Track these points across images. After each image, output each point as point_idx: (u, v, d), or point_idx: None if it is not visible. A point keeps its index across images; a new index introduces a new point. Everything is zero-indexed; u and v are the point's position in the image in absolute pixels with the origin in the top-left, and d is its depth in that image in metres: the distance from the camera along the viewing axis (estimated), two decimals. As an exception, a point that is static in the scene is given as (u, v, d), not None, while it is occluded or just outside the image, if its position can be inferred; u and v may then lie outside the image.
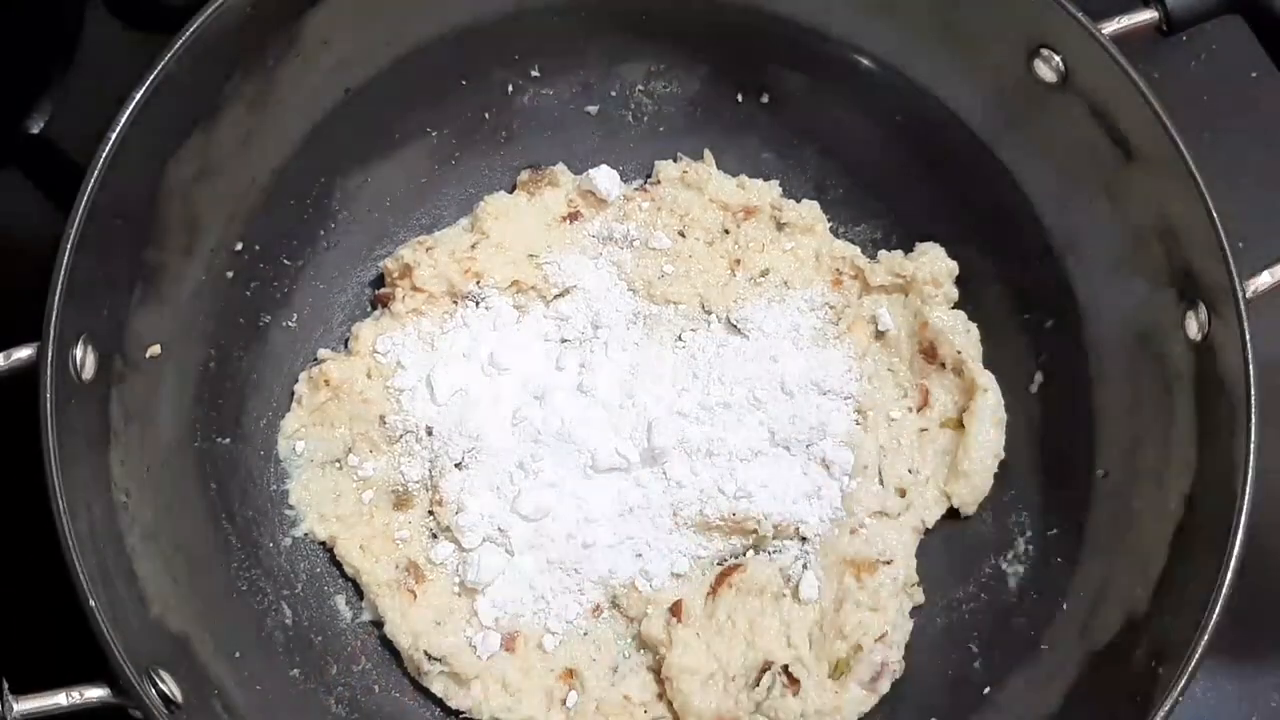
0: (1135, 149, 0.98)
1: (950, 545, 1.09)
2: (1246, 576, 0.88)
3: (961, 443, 1.08)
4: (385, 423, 1.07)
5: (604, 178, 1.15)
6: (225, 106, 0.99)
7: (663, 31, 1.15)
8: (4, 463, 0.94)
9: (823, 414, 1.08)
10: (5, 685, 0.81)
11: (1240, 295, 0.91)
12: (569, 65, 1.16)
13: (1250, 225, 1.01)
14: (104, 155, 0.89)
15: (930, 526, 1.08)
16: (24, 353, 0.86)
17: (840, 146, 1.17)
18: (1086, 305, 1.06)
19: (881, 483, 1.08)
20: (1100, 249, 1.04)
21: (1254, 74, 1.23)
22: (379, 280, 1.14)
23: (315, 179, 1.11)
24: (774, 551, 1.07)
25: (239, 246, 1.06)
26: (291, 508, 1.07)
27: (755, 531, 1.05)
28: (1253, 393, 0.90)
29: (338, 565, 1.06)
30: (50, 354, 0.85)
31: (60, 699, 0.81)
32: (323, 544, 1.07)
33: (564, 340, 1.11)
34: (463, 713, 1.02)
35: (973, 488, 1.08)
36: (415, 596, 1.03)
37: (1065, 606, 1.01)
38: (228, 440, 1.06)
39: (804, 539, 1.07)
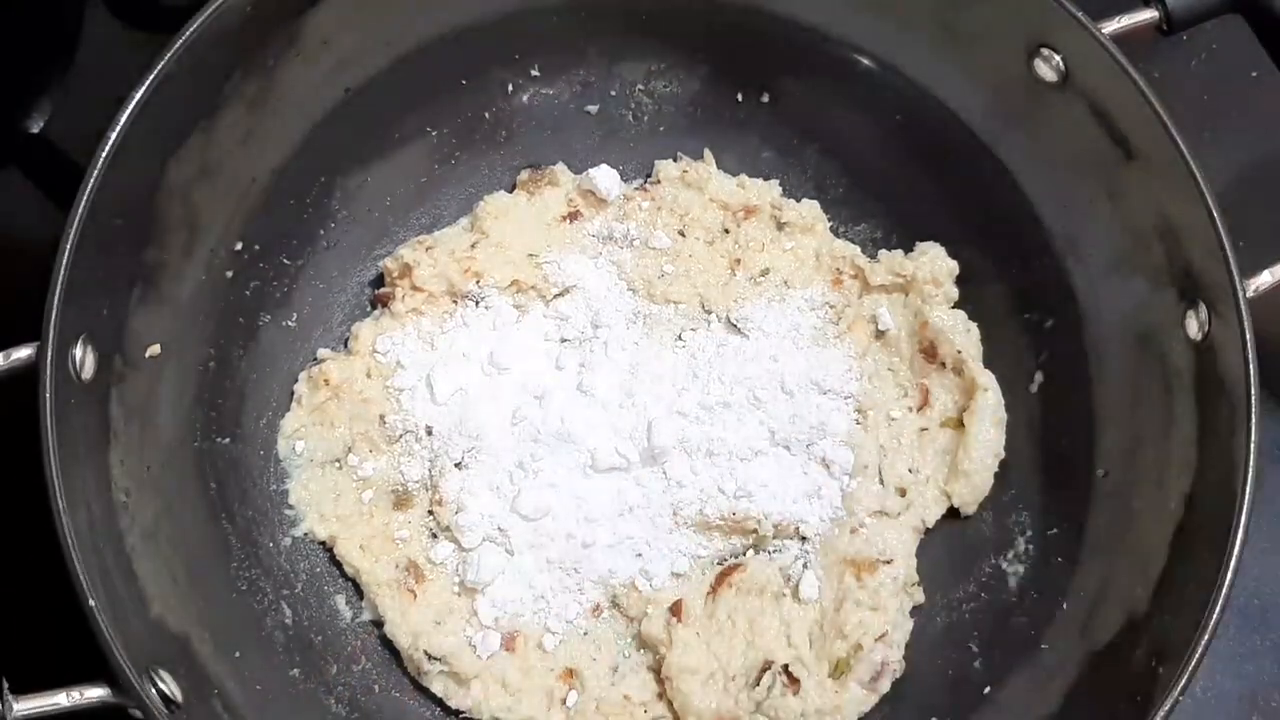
0: (1135, 148, 0.98)
1: (950, 545, 1.09)
2: (1246, 576, 0.88)
3: (962, 442, 1.08)
4: (385, 422, 1.07)
5: (604, 177, 1.15)
6: (225, 106, 0.99)
7: (663, 31, 1.15)
8: (4, 463, 0.94)
9: (823, 413, 1.08)
10: (5, 685, 0.81)
11: (1240, 295, 0.91)
12: (569, 65, 1.16)
13: (1250, 225, 1.01)
14: (104, 155, 0.89)
15: (930, 526, 1.08)
16: (24, 352, 0.86)
17: (840, 146, 1.17)
18: (1087, 305, 1.06)
19: (882, 482, 1.08)
20: (1100, 248, 1.04)
21: (1254, 74, 1.23)
22: (379, 280, 1.14)
23: (315, 178, 1.11)
24: (774, 551, 1.07)
25: (239, 246, 1.06)
26: (291, 507, 1.07)
27: (755, 531, 1.05)
28: (1253, 392, 0.90)
29: (338, 565, 1.06)
30: (50, 354, 0.85)
31: (60, 699, 0.81)
32: (322, 544, 1.07)
33: (564, 340, 1.11)
34: (463, 712, 1.02)
35: (973, 487, 1.07)
36: (415, 596, 1.03)
37: (1065, 606, 1.01)
38: (227, 440, 1.05)
39: (804, 538, 1.07)
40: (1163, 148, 0.95)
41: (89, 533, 0.86)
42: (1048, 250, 1.08)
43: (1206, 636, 0.86)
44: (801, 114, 1.17)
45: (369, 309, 1.14)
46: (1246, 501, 0.88)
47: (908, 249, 1.14)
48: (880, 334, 1.13)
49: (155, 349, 0.98)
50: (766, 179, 1.17)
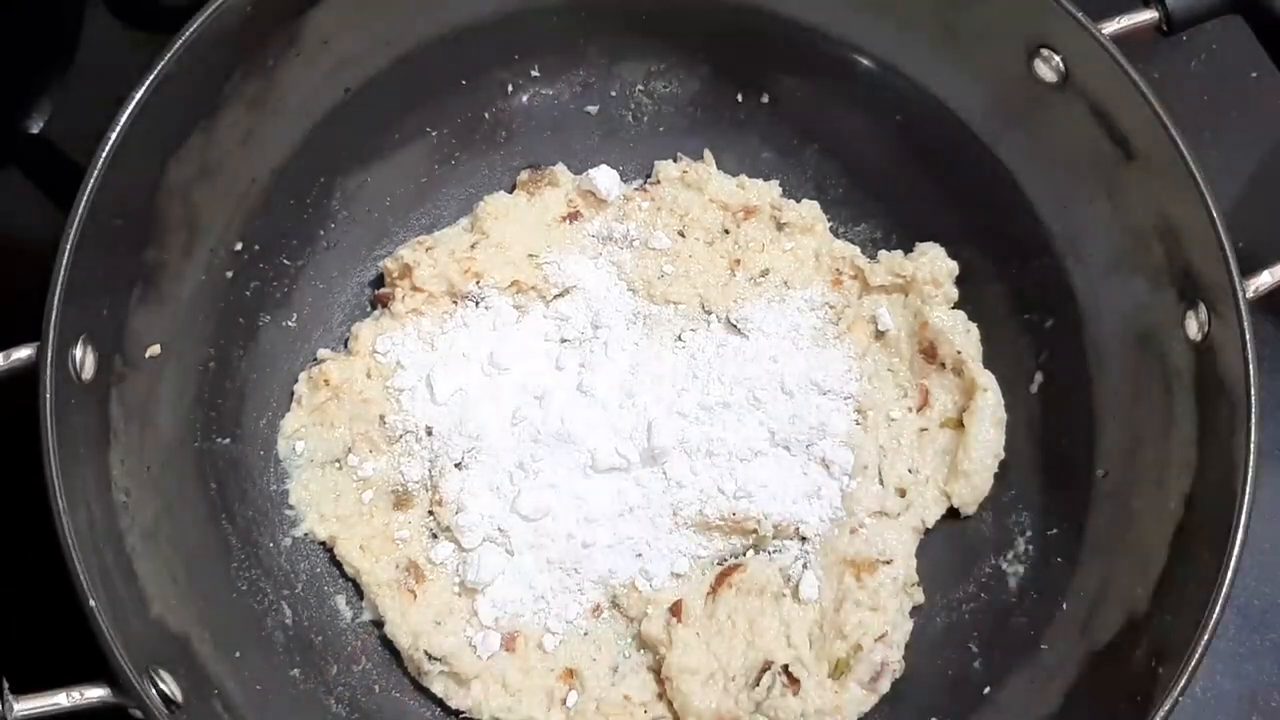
0: (1135, 149, 0.98)
1: (950, 545, 1.09)
2: (1246, 576, 0.88)
3: (961, 443, 1.08)
4: (385, 423, 1.07)
5: (604, 178, 1.15)
6: (225, 106, 0.99)
7: (663, 31, 1.15)
8: (4, 462, 0.94)
9: (823, 414, 1.08)
10: (5, 685, 0.81)
11: (1240, 295, 0.91)
12: (569, 65, 1.16)
13: (1250, 225, 1.01)
14: (104, 155, 0.89)
15: (930, 526, 1.08)
16: (24, 353, 0.86)
17: (840, 146, 1.17)
18: (1086, 305, 1.06)
19: (881, 482, 1.08)
20: (1100, 249, 1.04)
21: (1254, 74, 1.23)
22: (379, 280, 1.14)
23: (315, 179, 1.11)
24: (774, 551, 1.07)
25: (239, 246, 1.06)
26: (291, 508, 1.07)
27: (755, 531, 1.05)
28: (1253, 392, 0.90)
29: (338, 565, 1.06)
30: (50, 354, 0.85)
31: (60, 699, 0.81)
32: (323, 544, 1.07)
33: (564, 340, 1.11)
34: (463, 713, 1.02)
35: (973, 488, 1.07)
36: (415, 596, 1.03)
37: (1065, 606, 1.01)
38: (227, 440, 1.05)
39: (804, 539, 1.07)
40: (1163, 148, 0.95)
41: (89, 533, 0.86)
42: (1048, 250, 1.08)
43: (1207, 636, 0.86)
44: (801, 114, 1.17)
45: (369, 309, 1.14)
46: (1246, 501, 0.88)
47: (907, 249, 1.14)
48: (880, 334, 1.13)
49: (155, 349, 0.98)
50: (766, 179, 1.17)
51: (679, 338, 1.12)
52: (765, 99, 1.18)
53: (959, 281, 1.12)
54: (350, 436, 1.07)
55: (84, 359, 0.89)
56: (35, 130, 1.22)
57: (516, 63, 1.15)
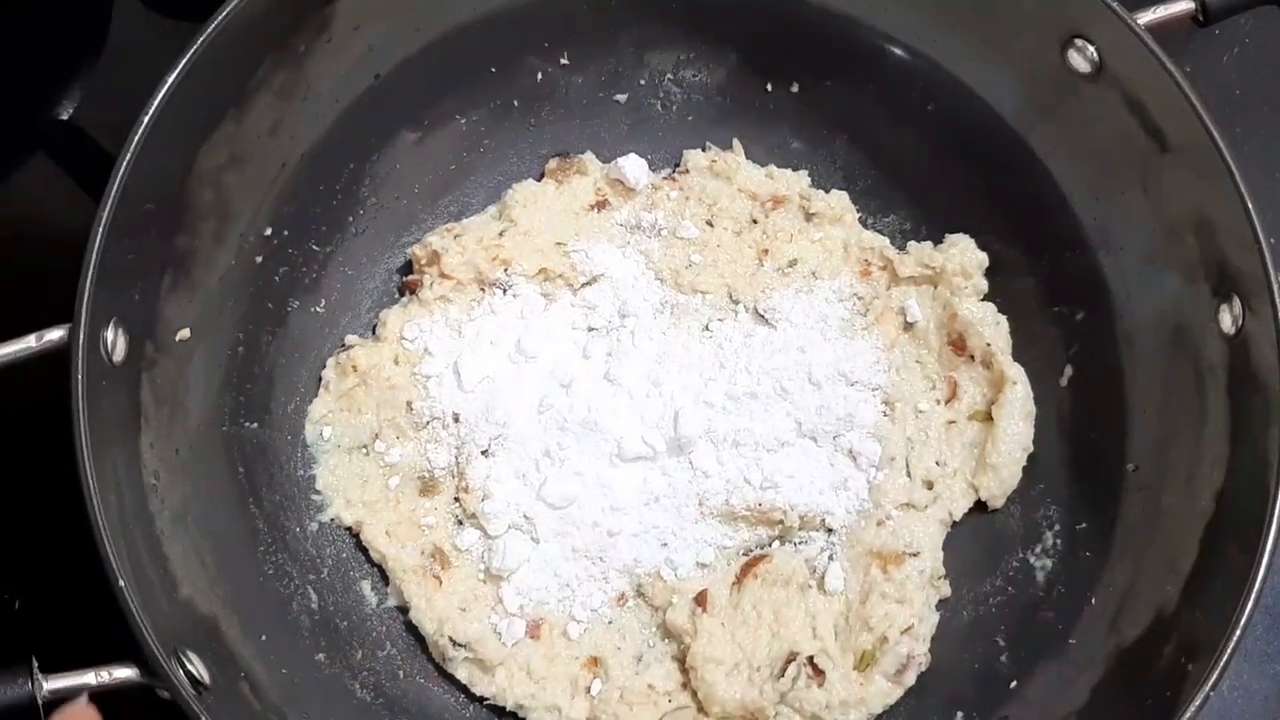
0: (1170, 141, 0.97)
1: (978, 538, 1.08)
2: (1276, 574, 0.88)
3: (990, 435, 1.07)
4: (412, 409, 1.08)
5: (632, 166, 1.15)
6: (256, 93, 0.99)
7: (693, 20, 1.14)
8: (36, 444, 0.95)
9: (850, 405, 1.08)
10: (35, 664, 0.81)
11: (1275, 289, 0.91)
12: (598, 53, 1.16)
13: (1285, 219, 1.00)
14: (135, 141, 0.90)
15: (957, 519, 1.08)
16: (56, 334, 0.87)
17: (870, 136, 1.16)
18: (1119, 298, 1.05)
19: (909, 475, 1.07)
20: (1133, 241, 1.03)
21: (1287, 67, 1.22)
22: (407, 267, 1.14)
23: (344, 165, 1.11)
24: (800, 542, 1.07)
25: (268, 232, 1.06)
26: (318, 493, 1.07)
27: (781, 522, 1.05)
28: (1287, 388, 0.89)
29: (363, 550, 1.07)
30: (81, 336, 0.85)
31: (89, 678, 0.82)
32: (349, 529, 1.07)
33: (591, 329, 1.11)
34: (487, 699, 1.03)
35: (1001, 481, 1.07)
36: (440, 583, 1.03)
37: (1093, 601, 1.00)
38: (256, 425, 1.06)
39: (830, 530, 1.07)
40: (1198, 140, 0.94)
41: (119, 515, 0.86)
42: (1080, 242, 1.07)
43: (1237, 634, 0.86)
44: (831, 104, 1.16)
45: (397, 296, 1.14)
46: (1279, 499, 0.87)
47: (937, 240, 1.13)
48: (909, 326, 1.12)
49: (185, 333, 0.98)
50: (795, 169, 1.17)
51: (706, 327, 1.12)
52: (795, 88, 1.17)
53: (989, 273, 1.12)
54: (377, 422, 1.08)
55: (115, 342, 0.90)
56: (65, 117, 1.23)
57: (546, 50, 1.15)
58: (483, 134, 1.16)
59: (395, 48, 1.08)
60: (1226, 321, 0.95)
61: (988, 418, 1.09)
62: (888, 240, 1.15)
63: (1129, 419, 1.03)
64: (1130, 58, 0.97)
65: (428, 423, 1.08)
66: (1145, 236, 1.02)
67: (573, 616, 1.04)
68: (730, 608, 1.03)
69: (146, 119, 0.90)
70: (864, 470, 1.07)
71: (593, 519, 1.04)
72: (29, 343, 0.87)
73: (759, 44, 1.15)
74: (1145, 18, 0.97)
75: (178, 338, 0.98)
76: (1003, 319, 1.10)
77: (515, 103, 1.16)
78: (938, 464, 1.08)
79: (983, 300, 1.11)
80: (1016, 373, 1.08)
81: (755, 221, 1.15)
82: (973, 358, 1.10)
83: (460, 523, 1.07)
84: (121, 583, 0.82)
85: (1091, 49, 1.00)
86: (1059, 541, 1.06)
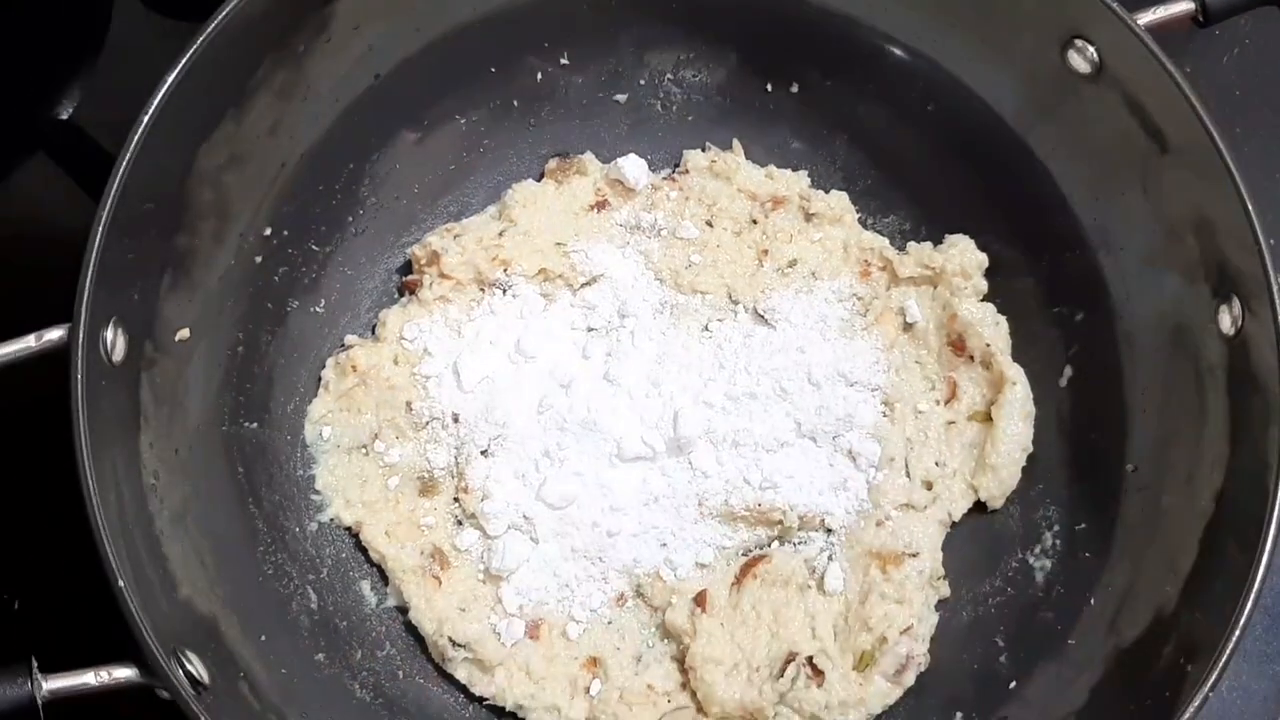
0: (1170, 141, 0.97)
1: (977, 538, 1.08)
2: (1275, 574, 0.88)
3: (989, 436, 1.07)
4: (412, 409, 1.08)
5: (632, 167, 1.15)
6: (255, 93, 0.99)
7: (693, 20, 1.14)
8: (35, 444, 0.95)
9: (849, 405, 1.08)
10: (35, 664, 0.81)
11: (1274, 290, 0.90)
12: (598, 53, 1.16)
13: (1284, 220, 1.00)
14: (135, 141, 0.89)
15: (957, 519, 1.08)
16: (55, 334, 0.87)
17: (870, 137, 1.16)
18: (1118, 298, 1.05)
19: (908, 475, 1.07)
20: (1133, 242, 1.03)
21: (1287, 68, 1.22)
22: (406, 267, 1.14)
23: (344, 165, 1.11)
24: (799, 543, 1.07)
25: (268, 232, 1.06)
26: (318, 493, 1.07)
27: (780, 522, 1.05)
28: (1287, 389, 0.89)
29: (363, 551, 1.07)
30: (81, 335, 0.85)
31: (89, 678, 0.82)
32: (348, 529, 1.07)
33: (590, 329, 1.11)
34: (486, 699, 1.02)
35: (1000, 481, 1.07)
36: (440, 583, 1.03)
37: (1093, 602, 1.00)
38: (255, 425, 1.06)
39: (829, 530, 1.07)
40: (1198, 141, 0.94)
41: (118, 515, 0.86)
42: (1079, 243, 1.07)
43: (1236, 635, 0.86)
44: (831, 104, 1.16)
45: (397, 296, 1.14)
46: (1279, 499, 0.87)
47: (937, 241, 1.13)
48: (908, 326, 1.12)
49: (185, 333, 0.98)
50: (795, 169, 1.17)
51: (706, 327, 1.12)
52: (795, 89, 1.17)
53: (988, 274, 1.12)
54: (377, 423, 1.08)
55: (115, 341, 0.90)
56: (65, 117, 1.23)
57: (546, 50, 1.15)
58: (482, 134, 1.16)
59: (395, 48, 1.08)
60: (1226, 322, 0.95)
61: (987, 418, 1.09)
62: (887, 241, 1.15)
63: (1129, 419, 1.03)
64: (1130, 58, 0.97)
65: (427, 423, 1.08)
66: (1145, 237, 1.02)
67: (572, 617, 1.04)
68: (729, 608, 1.03)
69: (146, 119, 0.90)
70: (863, 470, 1.07)
71: (592, 519, 1.04)
72: (29, 342, 0.87)
73: (759, 44, 1.15)
74: (1145, 18, 0.97)
75: (177, 337, 0.98)
76: (1002, 319, 1.10)
77: (515, 103, 1.16)
78: (937, 464, 1.08)
79: (982, 301, 1.11)
80: (1016, 373, 1.08)
81: (755, 222, 1.15)
82: (972, 358, 1.10)
83: (460, 523, 1.07)
84: (121, 583, 0.82)
85: (1091, 49, 1.00)
86: (1058, 542, 1.06)
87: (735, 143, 1.17)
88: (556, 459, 1.05)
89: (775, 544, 1.07)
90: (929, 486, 1.07)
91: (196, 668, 0.86)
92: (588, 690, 1.02)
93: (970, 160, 1.12)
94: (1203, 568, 0.93)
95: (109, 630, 0.83)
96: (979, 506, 1.09)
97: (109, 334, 0.89)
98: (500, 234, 1.12)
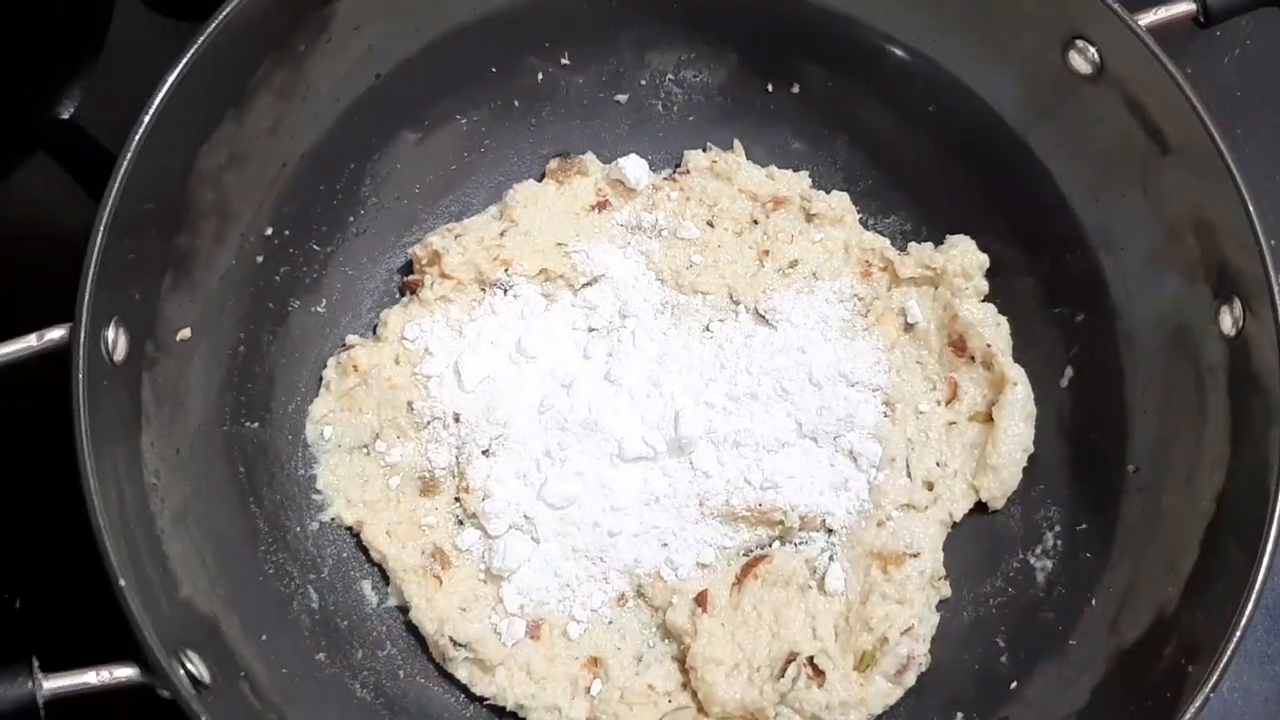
0: (1170, 142, 0.97)
1: (978, 539, 1.08)
2: (1277, 575, 0.88)
3: (990, 436, 1.07)
4: (413, 409, 1.08)
5: (633, 167, 1.15)
6: (256, 93, 0.99)
7: (694, 20, 1.14)
8: (36, 443, 0.95)
9: (850, 406, 1.08)
10: (35, 663, 0.81)
11: (1275, 290, 0.90)
12: (599, 53, 1.16)
13: (1285, 220, 1.01)
14: (136, 141, 0.89)
15: (958, 520, 1.08)
16: (56, 333, 0.86)
17: (871, 137, 1.16)
18: (1119, 299, 1.05)
19: (909, 475, 1.07)
20: (1134, 242, 1.03)
21: (1287, 69, 1.22)
22: (408, 267, 1.14)
23: (345, 165, 1.11)
24: (800, 543, 1.07)
25: (269, 232, 1.06)
26: (319, 492, 1.07)
27: (781, 523, 1.05)
28: (1288, 389, 0.89)
29: (364, 550, 1.07)
30: (82, 335, 0.85)
31: (90, 677, 0.82)
32: (349, 529, 1.07)
33: (592, 329, 1.11)
34: (487, 699, 1.02)
35: (1001, 482, 1.07)
36: (441, 582, 1.03)
37: (1094, 602, 1.00)
38: (256, 424, 1.06)
39: (830, 531, 1.07)
40: (1198, 142, 0.94)
41: (119, 514, 0.86)
42: (1080, 244, 1.07)
43: (1238, 635, 0.86)
44: (832, 105, 1.16)
45: (398, 296, 1.14)
46: (1279, 500, 0.87)
47: (938, 242, 1.13)
48: (909, 327, 1.12)
49: (186, 333, 0.98)
50: (796, 170, 1.17)
51: (707, 328, 1.12)
52: (795, 89, 1.17)
53: (989, 274, 1.12)
54: (378, 422, 1.08)
55: (116, 341, 0.89)
56: (66, 116, 1.23)
57: (547, 50, 1.15)
58: (483, 134, 1.16)
59: (395, 48, 1.08)
60: (1227, 323, 0.95)
61: (988, 419, 1.09)
62: (888, 241, 1.15)
63: (1129, 420, 1.03)
64: (1131, 59, 0.97)
65: (428, 423, 1.08)
66: (1146, 237, 1.02)
67: (573, 616, 1.04)
68: (730, 608, 1.03)
69: (147, 119, 0.90)
70: (864, 471, 1.07)
71: (593, 519, 1.04)
72: (29, 342, 0.87)
73: (759, 44, 1.15)
74: (1146, 19, 0.97)
75: (178, 337, 0.98)
76: (1003, 320, 1.11)
77: (516, 103, 1.16)
78: (938, 465, 1.08)
79: (983, 301, 1.11)
80: (1017, 374, 1.08)
81: (756, 222, 1.15)
82: (973, 359, 1.10)
83: (461, 523, 1.07)
84: (122, 582, 0.82)
85: (1092, 50, 1.00)
86: (1059, 542, 1.06)
87: (736, 143, 1.17)
88: (557, 459, 1.05)
89: (776, 544, 1.07)
90: (930, 487, 1.07)
91: (197, 667, 0.86)
92: (588, 690, 1.02)
93: (971, 161, 1.12)
94: (1204, 568, 0.93)
95: (109, 630, 0.83)
96: (980, 507, 1.09)
97: (110, 334, 0.89)
98: (501, 234, 1.12)
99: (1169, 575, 0.95)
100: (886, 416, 1.09)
